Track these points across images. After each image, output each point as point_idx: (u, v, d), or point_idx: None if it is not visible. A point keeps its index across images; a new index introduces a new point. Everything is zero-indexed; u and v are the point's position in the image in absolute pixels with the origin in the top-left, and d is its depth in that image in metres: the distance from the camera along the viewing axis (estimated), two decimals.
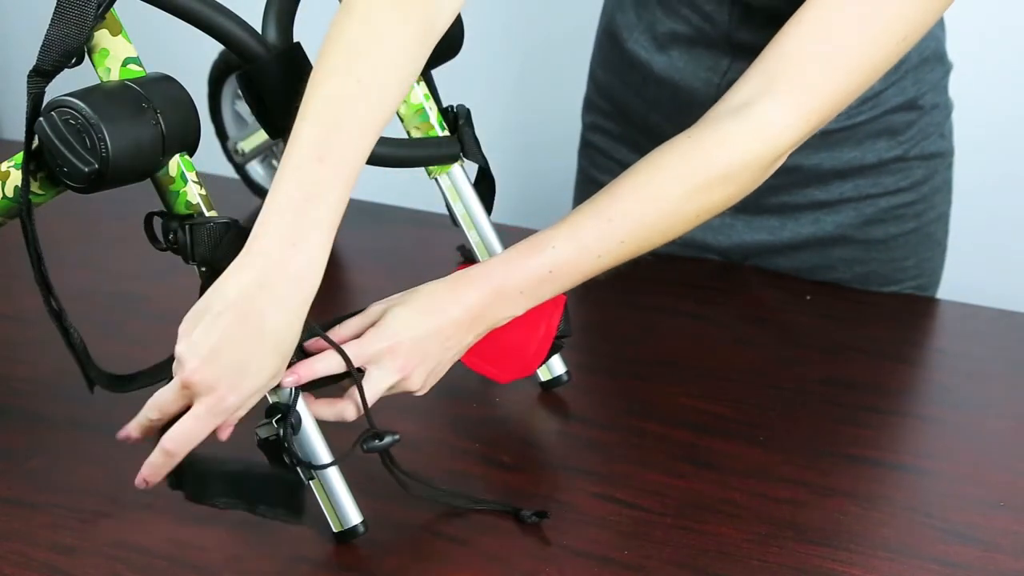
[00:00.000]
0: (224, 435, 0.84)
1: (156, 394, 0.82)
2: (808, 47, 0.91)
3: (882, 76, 0.94)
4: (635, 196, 0.92)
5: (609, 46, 1.30)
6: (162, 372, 0.88)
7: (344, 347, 0.87)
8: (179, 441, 0.81)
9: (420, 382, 0.91)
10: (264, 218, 0.81)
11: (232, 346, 0.79)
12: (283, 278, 0.80)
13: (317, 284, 0.82)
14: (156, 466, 0.82)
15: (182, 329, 0.81)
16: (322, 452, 0.88)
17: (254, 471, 0.87)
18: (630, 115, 1.31)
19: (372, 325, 0.90)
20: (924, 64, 1.21)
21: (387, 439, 0.89)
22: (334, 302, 0.99)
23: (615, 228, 0.91)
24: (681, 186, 0.91)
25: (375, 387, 0.89)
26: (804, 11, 0.92)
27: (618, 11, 1.27)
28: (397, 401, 1.06)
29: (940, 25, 1.24)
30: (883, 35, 0.91)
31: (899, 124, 1.22)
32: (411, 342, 0.89)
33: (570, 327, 1.05)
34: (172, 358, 0.82)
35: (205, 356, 0.79)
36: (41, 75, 0.82)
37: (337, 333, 0.90)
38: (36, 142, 0.83)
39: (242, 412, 0.83)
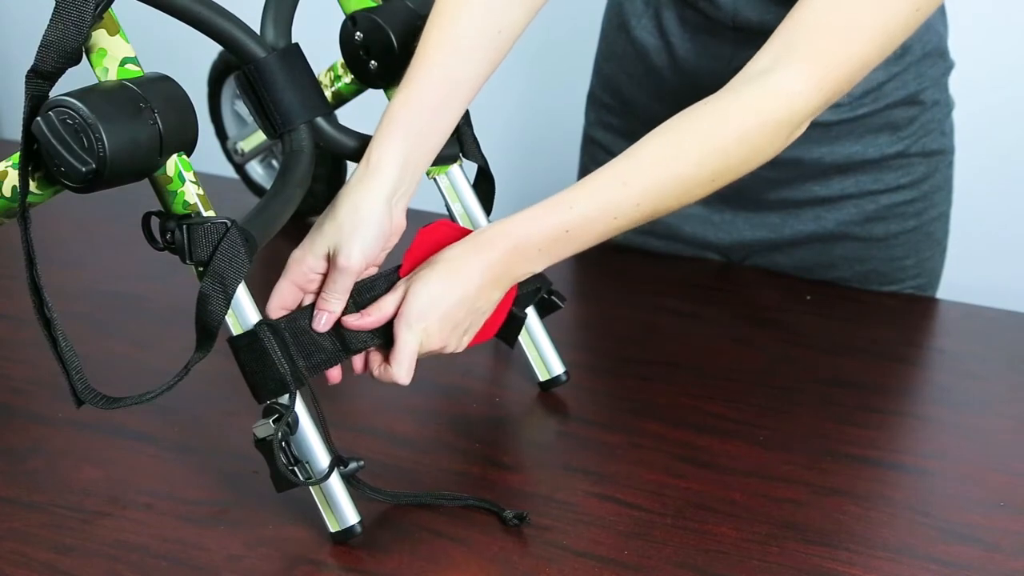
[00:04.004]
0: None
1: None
2: (826, 17, 0.92)
3: (886, 63, 0.95)
4: (652, 159, 0.93)
5: (615, 36, 1.30)
6: (153, 392, 0.87)
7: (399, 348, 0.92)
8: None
9: (456, 344, 0.95)
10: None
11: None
12: (360, 189, 0.95)
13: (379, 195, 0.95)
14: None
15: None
16: (319, 452, 0.88)
17: None
18: (634, 108, 1.31)
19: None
20: (926, 58, 1.21)
21: (352, 465, 0.90)
22: None
23: (631, 191, 0.92)
24: (698, 148, 0.93)
25: (410, 357, 0.93)
26: None
27: None
28: (397, 401, 1.06)
29: (943, 22, 1.24)
30: (898, 4, 0.92)
31: (900, 119, 1.22)
32: (441, 317, 0.92)
33: (561, 295, 1.08)
34: (170, 383, 0.85)
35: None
36: (42, 76, 0.82)
37: (376, 312, 0.93)
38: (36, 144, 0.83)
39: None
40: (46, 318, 0.84)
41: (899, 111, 1.22)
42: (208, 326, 0.85)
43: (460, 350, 0.96)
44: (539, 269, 0.95)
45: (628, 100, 1.31)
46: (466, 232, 0.99)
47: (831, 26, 0.92)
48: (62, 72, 0.82)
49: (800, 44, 0.92)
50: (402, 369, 0.92)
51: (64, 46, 0.81)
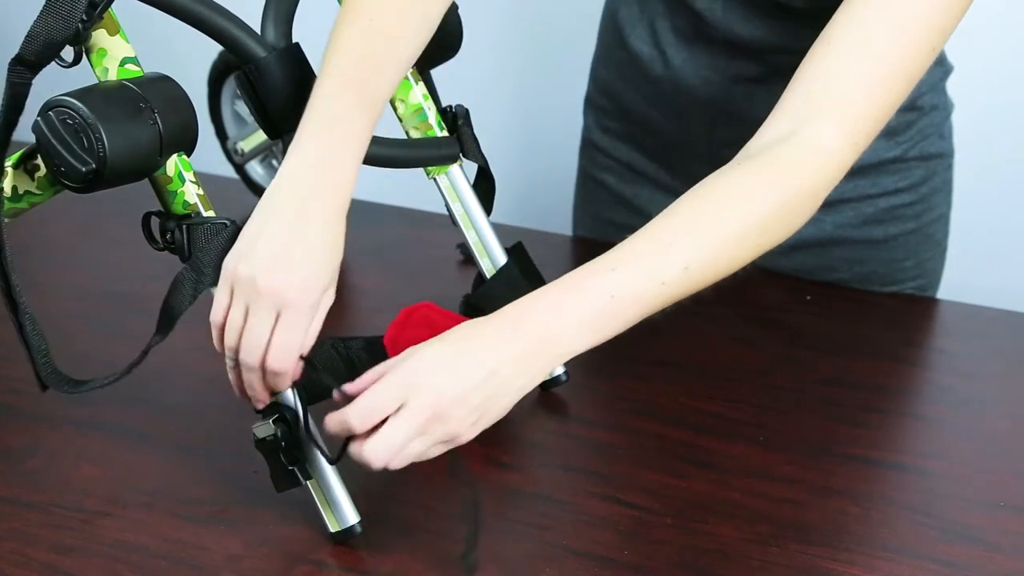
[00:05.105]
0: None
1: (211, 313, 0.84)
2: (845, 66, 0.89)
3: None
4: (692, 221, 0.86)
5: (611, 42, 1.30)
6: (116, 375, 0.88)
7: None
8: (245, 351, 0.83)
9: (461, 430, 0.80)
10: (296, 145, 0.85)
11: (271, 243, 0.82)
12: (321, 190, 0.83)
13: (348, 198, 0.85)
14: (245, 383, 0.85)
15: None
16: (319, 453, 0.88)
17: None
18: (630, 113, 1.30)
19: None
20: None
21: None
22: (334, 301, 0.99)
23: (675, 252, 0.85)
24: (741, 220, 0.86)
25: (408, 452, 0.80)
26: (832, 30, 0.91)
27: (622, 5, 1.27)
28: None
29: None
30: (916, 47, 0.90)
31: (897, 124, 1.22)
32: (453, 398, 0.79)
33: None
34: (130, 366, 0.85)
35: (242, 253, 0.82)
36: (24, 65, 0.82)
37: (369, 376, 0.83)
38: (10, 134, 0.83)
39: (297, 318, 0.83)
40: (13, 301, 0.84)
41: (896, 117, 1.20)
42: (173, 311, 0.86)
43: (470, 437, 0.81)
44: (581, 349, 0.83)
45: (624, 104, 1.31)
46: (451, 314, 0.97)
47: (855, 75, 0.89)
48: (45, 63, 0.82)
49: (825, 96, 0.89)
50: (378, 446, 0.78)
51: (49, 37, 0.81)
